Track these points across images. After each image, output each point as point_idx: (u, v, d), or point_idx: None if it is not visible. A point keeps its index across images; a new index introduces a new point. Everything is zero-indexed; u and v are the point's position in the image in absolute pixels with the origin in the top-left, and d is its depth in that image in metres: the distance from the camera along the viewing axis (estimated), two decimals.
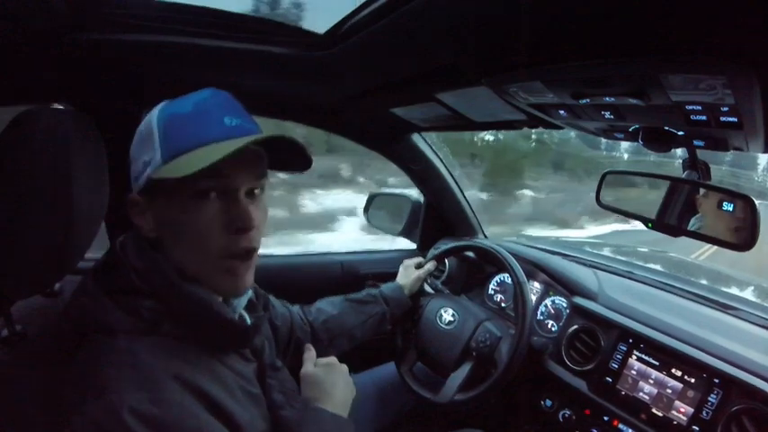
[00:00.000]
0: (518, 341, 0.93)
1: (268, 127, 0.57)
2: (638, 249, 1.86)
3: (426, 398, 0.99)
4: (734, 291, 1.23)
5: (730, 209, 0.68)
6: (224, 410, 0.49)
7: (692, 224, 0.73)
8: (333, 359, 0.76)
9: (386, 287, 1.05)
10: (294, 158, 0.58)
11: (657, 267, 1.32)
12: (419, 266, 1.12)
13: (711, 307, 0.96)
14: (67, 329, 0.51)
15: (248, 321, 0.63)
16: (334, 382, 0.70)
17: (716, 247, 0.69)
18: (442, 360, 1.02)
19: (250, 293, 0.66)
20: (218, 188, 0.51)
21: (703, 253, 4.88)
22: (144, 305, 0.49)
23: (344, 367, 0.76)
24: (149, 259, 0.51)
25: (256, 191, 0.55)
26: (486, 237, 1.47)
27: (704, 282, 1.29)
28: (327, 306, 0.96)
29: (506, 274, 1.19)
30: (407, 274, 1.10)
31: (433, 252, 1.15)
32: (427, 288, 1.15)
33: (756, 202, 0.65)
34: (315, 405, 0.65)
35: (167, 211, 0.51)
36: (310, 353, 0.77)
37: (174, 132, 0.50)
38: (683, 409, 0.80)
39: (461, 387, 0.96)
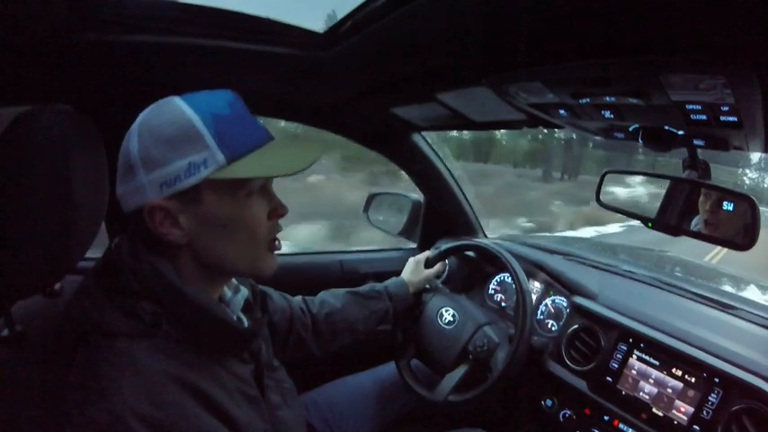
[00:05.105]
0: (515, 351, 0.92)
1: None
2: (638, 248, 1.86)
3: (421, 395, 0.99)
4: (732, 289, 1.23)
5: (730, 208, 0.68)
6: (223, 411, 0.49)
7: (693, 224, 0.74)
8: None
9: (391, 283, 1.05)
10: None
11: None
12: (428, 264, 1.11)
13: (711, 306, 0.96)
14: (67, 330, 0.51)
15: (246, 324, 0.63)
16: None
17: (726, 249, 0.69)
18: (440, 359, 1.02)
19: (247, 293, 0.66)
20: (262, 184, 0.56)
21: (715, 256, 4.87)
22: (143, 307, 0.49)
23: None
24: (147, 261, 0.51)
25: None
26: (486, 236, 1.47)
27: (704, 281, 1.29)
28: (331, 298, 0.96)
29: (506, 274, 1.19)
30: (417, 272, 1.09)
31: (433, 252, 1.15)
32: (430, 283, 1.15)
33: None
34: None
35: (218, 209, 0.52)
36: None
37: (228, 134, 0.51)
38: (683, 409, 0.80)
39: (456, 388, 0.96)
